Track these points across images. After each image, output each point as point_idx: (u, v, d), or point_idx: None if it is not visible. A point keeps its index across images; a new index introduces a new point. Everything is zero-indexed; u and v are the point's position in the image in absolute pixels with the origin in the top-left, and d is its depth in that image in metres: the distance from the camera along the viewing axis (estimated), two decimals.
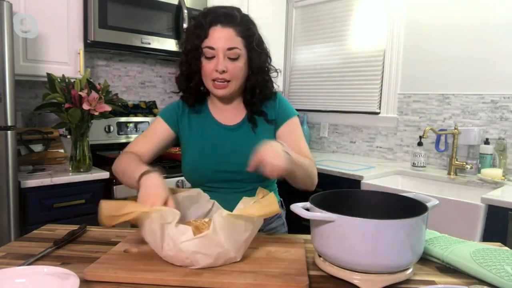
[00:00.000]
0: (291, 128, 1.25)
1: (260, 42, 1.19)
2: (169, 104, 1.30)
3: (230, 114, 1.25)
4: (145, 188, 0.94)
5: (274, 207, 0.86)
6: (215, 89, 1.15)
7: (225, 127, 1.23)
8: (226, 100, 1.23)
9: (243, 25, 1.15)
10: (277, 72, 1.25)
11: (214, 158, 1.19)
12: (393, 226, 0.74)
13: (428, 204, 0.83)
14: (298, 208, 0.82)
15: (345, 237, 0.76)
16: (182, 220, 0.91)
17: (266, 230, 1.25)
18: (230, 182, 1.18)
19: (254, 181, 1.16)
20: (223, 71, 1.12)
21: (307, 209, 0.83)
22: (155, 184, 0.95)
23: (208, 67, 1.13)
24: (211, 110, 1.26)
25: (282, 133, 1.23)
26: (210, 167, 1.19)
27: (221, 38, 1.11)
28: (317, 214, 0.79)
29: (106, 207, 0.85)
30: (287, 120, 1.24)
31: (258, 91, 1.20)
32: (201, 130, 1.24)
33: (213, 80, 1.14)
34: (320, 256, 0.86)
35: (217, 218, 0.80)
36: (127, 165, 1.10)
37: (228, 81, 1.14)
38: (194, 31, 1.14)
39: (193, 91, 1.22)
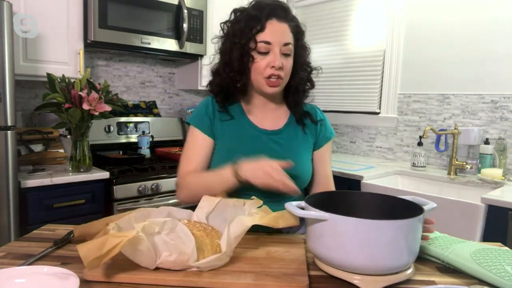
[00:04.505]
0: (328, 154, 1.22)
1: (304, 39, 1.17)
2: (197, 107, 1.20)
3: (269, 118, 1.18)
4: (252, 168, 0.97)
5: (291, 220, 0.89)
6: (269, 86, 1.08)
7: (263, 132, 1.15)
8: (268, 100, 1.17)
9: (295, 20, 1.13)
10: (317, 70, 1.22)
11: None
12: (386, 227, 0.73)
13: (425, 207, 0.83)
14: (292, 206, 0.82)
15: (336, 236, 0.76)
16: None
17: (287, 232, 1.14)
18: (260, 193, 1.01)
19: (287, 197, 1.02)
20: (280, 68, 1.06)
21: (302, 208, 0.83)
22: (253, 161, 0.97)
23: (261, 63, 1.07)
24: (247, 112, 1.17)
25: (319, 156, 1.21)
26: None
27: (277, 32, 1.06)
28: (310, 212, 0.79)
29: (84, 251, 0.72)
30: (328, 141, 1.22)
31: (301, 88, 1.17)
32: (234, 132, 1.15)
33: (267, 78, 1.07)
34: None
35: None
36: (201, 181, 1.07)
37: (281, 79, 1.08)
38: (247, 22, 1.07)
39: (228, 78, 1.12)
